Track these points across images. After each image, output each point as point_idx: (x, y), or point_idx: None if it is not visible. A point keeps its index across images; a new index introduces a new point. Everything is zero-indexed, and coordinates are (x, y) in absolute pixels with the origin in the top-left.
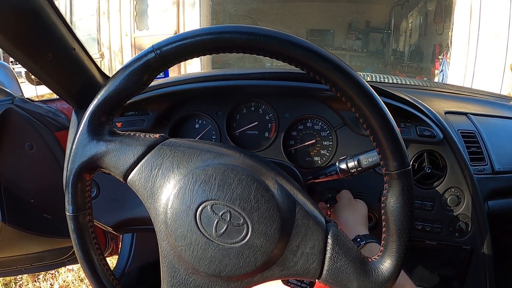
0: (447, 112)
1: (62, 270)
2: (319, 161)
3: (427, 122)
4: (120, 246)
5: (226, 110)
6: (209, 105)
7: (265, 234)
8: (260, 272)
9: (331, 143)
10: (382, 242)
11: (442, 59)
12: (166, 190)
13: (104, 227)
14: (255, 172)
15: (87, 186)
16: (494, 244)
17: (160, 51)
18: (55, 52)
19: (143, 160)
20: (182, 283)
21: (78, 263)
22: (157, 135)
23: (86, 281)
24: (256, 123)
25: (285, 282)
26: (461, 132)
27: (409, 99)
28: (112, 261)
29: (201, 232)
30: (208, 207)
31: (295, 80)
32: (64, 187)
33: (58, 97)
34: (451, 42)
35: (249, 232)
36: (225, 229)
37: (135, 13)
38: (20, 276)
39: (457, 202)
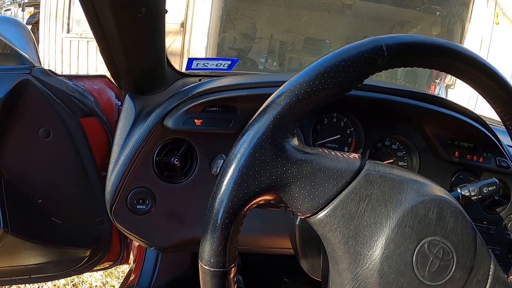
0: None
1: None
2: None
3: (504, 154)
4: (132, 255)
5: (312, 119)
6: None
7: (464, 267)
8: None
9: (406, 164)
10: None
11: (439, 83)
12: (378, 228)
13: (148, 245)
14: (456, 203)
15: (242, 225)
16: None
17: (391, 54)
18: (149, 8)
19: (348, 189)
20: None
21: (84, 273)
22: (356, 155)
23: (80, 287)
24: (339, 136)
25: None
26: None
27: (494, 131)
28: (116, 269)
29: (415, 274)
30: (426, 245)
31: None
32: (204, 232)
33: (84, 74)
34: None
35: (454, 267)
36: (437, 267)
37: None
38: None
39: None
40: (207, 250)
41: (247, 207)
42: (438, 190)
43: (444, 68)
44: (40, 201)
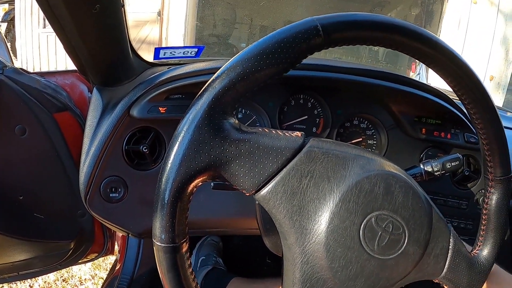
0: None
1: None
2: None
3: (472, 130)
4: (117, 245)
5: (278, 101)
6: (260, 95)
7: (417, 241)
8: (402, 279)
9: (375, 142)
10: (480, 238)
11: (420, 64)
12: (321, 203)
13: (125, 232)
14: (407, 178)
15: (189, 202)
16: None
17: (327, 33)
18: (104, 4)
19: (289, 166)
20: None
21: (71, 266)
22: (299, 134)
23: (70, 281)
24: (306, 117)
25: None
26: None
27: (460, 108)
28: (104, 261)
29: (364, 248)
30: (373, 220)
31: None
32: (157, 206)
33: (58, 69)
34: None
35: (406, 241)
36: (387, 241)
37: None
38: None
39: None
40: (157, 226)
41: (191, 185)
42: (386, 166)
43: (385, 44)
44: (21, 197)
